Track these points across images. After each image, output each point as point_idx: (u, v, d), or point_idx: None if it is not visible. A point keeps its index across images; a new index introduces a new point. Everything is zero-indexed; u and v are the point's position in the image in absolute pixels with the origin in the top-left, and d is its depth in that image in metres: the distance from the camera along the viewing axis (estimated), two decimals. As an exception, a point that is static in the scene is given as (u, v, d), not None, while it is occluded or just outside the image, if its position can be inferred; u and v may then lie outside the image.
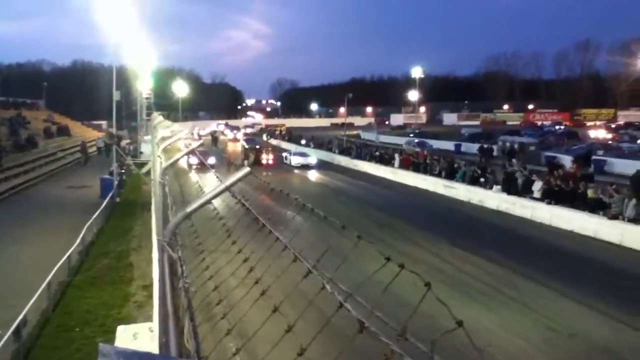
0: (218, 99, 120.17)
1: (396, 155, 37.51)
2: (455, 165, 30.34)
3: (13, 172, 29.75)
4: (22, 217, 21.02)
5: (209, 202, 3.92)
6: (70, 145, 45.49)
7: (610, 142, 51.26)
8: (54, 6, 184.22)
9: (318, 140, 56.04)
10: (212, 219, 4.51)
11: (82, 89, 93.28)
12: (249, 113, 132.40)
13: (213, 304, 2.96)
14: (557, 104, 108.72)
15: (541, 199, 22.25)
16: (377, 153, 40.61)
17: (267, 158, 40.77)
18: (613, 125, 76.49)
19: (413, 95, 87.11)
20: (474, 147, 45.84)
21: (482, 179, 26.82)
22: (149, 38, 49.69)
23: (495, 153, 42.15)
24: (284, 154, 43.86)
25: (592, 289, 13.12)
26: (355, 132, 74.28)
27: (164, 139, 11.12)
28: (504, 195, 24.20)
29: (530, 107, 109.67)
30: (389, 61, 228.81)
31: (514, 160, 34.60)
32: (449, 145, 53.19)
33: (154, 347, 3.81)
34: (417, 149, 43.45)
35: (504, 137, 47.11)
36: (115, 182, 25.82)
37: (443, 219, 22.28)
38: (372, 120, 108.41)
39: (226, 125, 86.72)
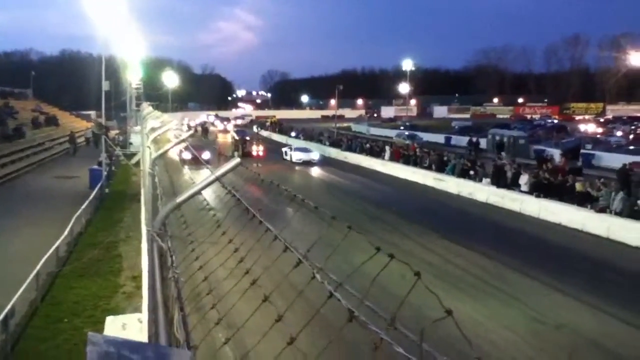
0: (208, 90, 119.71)
1: (387, 148, 37.57)
2: (445, 158, 30.48)
3: (0, 162, 29.45)
4: (9, 208, 20.80)
5: (198, 192, 3.91)
6: (58, 135, 45.04)
7: (598, 136, 51.72)
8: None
9: (308, 132, 55.94)
10: (202, 209, 4.51)
11: (70, 79, 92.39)
12: (239, 104, 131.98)
13: (203, 294, 2.96)
14: (547, 97, 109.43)
15: (530, 192, 22.41)
16: (368, 145, 40.66)
17: (257, 149, 40.60)
18: (602, 120, 77.21)
19: (404, 87, 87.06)
20: (464, 140, 46.03)
21: (471, 172, 26.96)
22: (139, 28, 49.21)
23: (483, 146, 42.29)
24: (284, 150, 41.13)
25: (579, 281, 13.25)
26: (346, 125, 74.26)
27: (153, 129, 11.07)
28: (493, 188, 24.33)
29: (520, 100, 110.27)
30: (380, 54, 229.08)
31: (503, 154, 34.78)
32: (440, 138, 53.41)
33: (142, 338, 3.80)
34: (408, 142, 43.56)
35: (494, 131, 47.28)
36: (105, 173, 25.65)
37: (433, 212, 22.38)
38: (362, 112, 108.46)
39: (216, 116, 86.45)
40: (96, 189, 22.94)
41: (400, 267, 1.53)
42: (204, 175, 3.74)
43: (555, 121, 71.42)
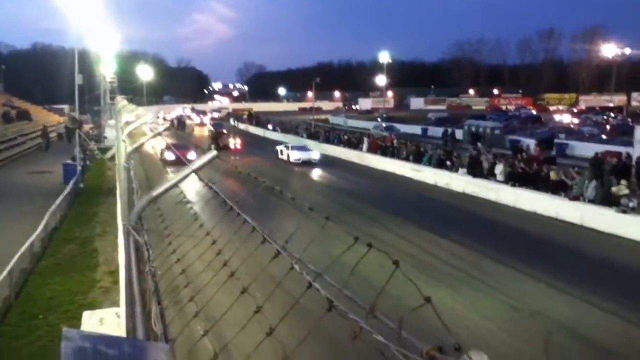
0: (183, 83, 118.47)
1: (365, 139, 37.68)
2: (422, 149, 30.70)
3: (-30, 157, 28.82)
4: (-19, 204, 20.38)
5: (175, 185, 3.87)
6: (30, 130, 44.20)
7: (572, 126, 52.57)
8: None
9: (286, 124, 55.72)
10: (179, 203, 4.46)
11: (42, 73, 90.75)
12: (215, 97, 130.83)
13: (180, 287, 2.94)
14: (521, 88, 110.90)
15: (505, 182, 22.70)
16: (346, 137, 40.72)
17: (235, 142, 40.29)
18: (575, 110, 78.60)
19: (380, 80, 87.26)
20: (440, 131, 46.37)
21: (448, 162, 27.20)
22: (113, 21, 48.33)
23: (459, 137, 42.67)
24: (279, 148, 35.60)
25: (554, 269, 13.48)
26: (323, 117, 74.17)
27: (128, 123, 10.92)
28: (470, 178, 24.58)
29: (495, 92, 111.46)
30: (356, 46, 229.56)
31: (479, 144, 35.15)
32: (416, 130, 53.74)
33: (120, 332, 3.77)
34: (385, 133, 43.71)
35: (469, 122, 47.72)
36: (79, 168, 25.25)
37: (410, 203, 22.53)
38: (340, 104, 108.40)
39: (192, 109, 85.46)
40: (71, 184, 22.58)
41: (379, 257, 1.54)
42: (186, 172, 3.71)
43: (534, 112, 72.03)
